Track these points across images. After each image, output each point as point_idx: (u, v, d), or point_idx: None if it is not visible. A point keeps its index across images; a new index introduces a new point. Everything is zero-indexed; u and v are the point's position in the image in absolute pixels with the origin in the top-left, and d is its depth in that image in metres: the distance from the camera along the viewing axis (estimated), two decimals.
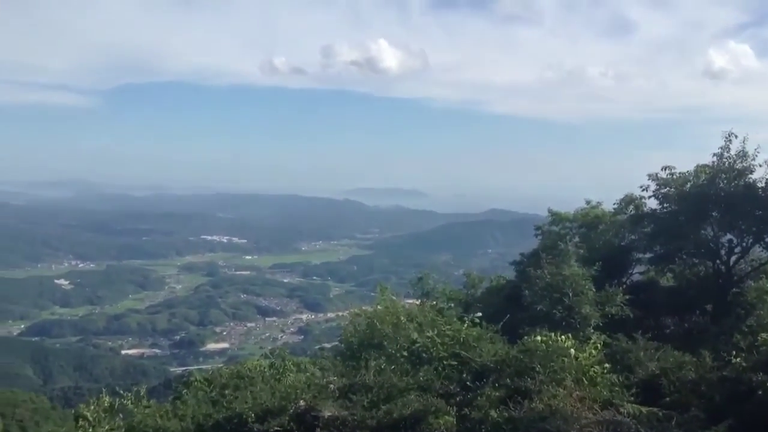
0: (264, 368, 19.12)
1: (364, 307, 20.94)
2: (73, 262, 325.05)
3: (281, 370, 19.59)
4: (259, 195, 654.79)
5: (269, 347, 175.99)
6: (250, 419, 10.26)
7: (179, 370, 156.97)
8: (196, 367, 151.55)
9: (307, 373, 18.02)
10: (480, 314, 15.39)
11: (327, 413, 10.21)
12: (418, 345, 13.91)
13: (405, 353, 14.09)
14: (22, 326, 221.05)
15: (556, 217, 34.71)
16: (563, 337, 13.28)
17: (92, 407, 16.03)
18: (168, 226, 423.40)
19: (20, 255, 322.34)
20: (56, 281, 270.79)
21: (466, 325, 14.39)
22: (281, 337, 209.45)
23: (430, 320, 17.56)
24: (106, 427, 15.00)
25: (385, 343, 15.96)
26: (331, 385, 11.04)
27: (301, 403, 10.60)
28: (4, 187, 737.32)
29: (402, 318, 16.84)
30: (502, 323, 15.95)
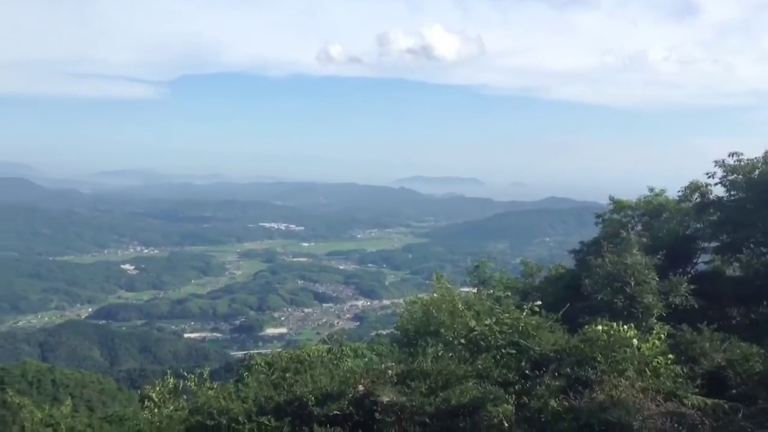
0: (322, 353, 19.37)
1: (419, 295, 20.97)
2: (139, 248, 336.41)
3: (339, 356, 19.80)
4: (316, 183, 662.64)
5: (326, 333, 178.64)
6: (310, 402, 10.42)
7: (239, 353, 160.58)
8: (255, 351, 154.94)
9: (365, 359, 18.18)
10: (539, 302, 15.17)
11: (385, 398, 10.28)
12: (475, 333, 13.83)
13: (462, 341, 14.04)
14: (90, 310, 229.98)
15: (618, 205, 33.85)
16: (625, 327, 13.01)
17: (157, 388, 16.58)
18: (228, 213, 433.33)
19: (89, 241, 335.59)
20: (122, 266, 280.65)
21: (525, 313, 14.23)
22: (337, 323, 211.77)
23: (487, 308, 17.43)
24: (171, 408, 15.47)
25: (442, 330, 15.94)
26: (389, 371, 11.09)
27: (360, 387, 10.70)
28: (74, 176, 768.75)
29: (459, 305, 16.78)
30: (561, 312, 15.71)
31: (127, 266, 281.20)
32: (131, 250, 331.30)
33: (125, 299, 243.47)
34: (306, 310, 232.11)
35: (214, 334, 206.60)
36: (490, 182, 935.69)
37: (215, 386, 14.89)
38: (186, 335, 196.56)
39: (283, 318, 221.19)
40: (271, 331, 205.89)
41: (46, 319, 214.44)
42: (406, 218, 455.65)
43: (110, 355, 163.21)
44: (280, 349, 27.46)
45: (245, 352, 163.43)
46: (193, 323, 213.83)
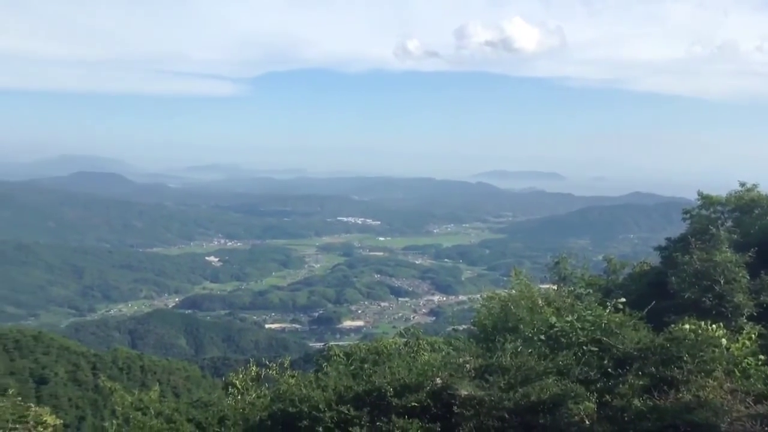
0: (399, 346, 19.51)
1: (497, 291, 20.78)
2: (223, 241, 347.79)
3: (416, 349, 19.89)
4: (393, 178, 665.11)
5: (402, 327, 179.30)
6: (388, 393, 10.52)
7: (317, 345, 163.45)
8: (333, 343, 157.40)
9: (441, 353, 18.18)
10: (624, 300, 14.75)
11: (463, 392, 10.26)
12: (556, 329, 13.59)
13: (542, 337, 13.83)
14: (177, 299, 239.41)
15: (707, 201, 32.39)
16: (713, 326, 12.53)
17: (241, 376, 17.15)
18: (307, 207, 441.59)
19: (176, 234, 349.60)
20: (207, 258, 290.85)
21: (608, 310, 13.87)
22: (413, 317, 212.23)
23: (568, 305, 17.10)
24: (253, 395, 15.96)
25: (521, 326, 15.75)
26: (468, 365, 11.07)
27: (438, 380, 10.72)
28: (163, 171, 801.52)
29: (540, 301, 16.54)
30: (646, 310, 15.22)
31: (211, 258, 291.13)
32: (216, 243, 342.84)
33: (210, 290, 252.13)
34: (382, 303, 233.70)
35: (294, 325, 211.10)
36: (571, 177, 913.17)
37: (295, 376, 15.26)
38: (267, 326, 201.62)
39: (360, 311, 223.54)
40: (348, 323, 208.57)
41: (136, 308, 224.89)
42: (484, 213, 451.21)
43: (195, 344, 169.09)
44: (357, 341, 27.86)
45: (323, 343, 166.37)
46: (273, 314, 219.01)
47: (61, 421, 14.61)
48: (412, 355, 18.07)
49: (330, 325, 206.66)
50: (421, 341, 20.60)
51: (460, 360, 11.30)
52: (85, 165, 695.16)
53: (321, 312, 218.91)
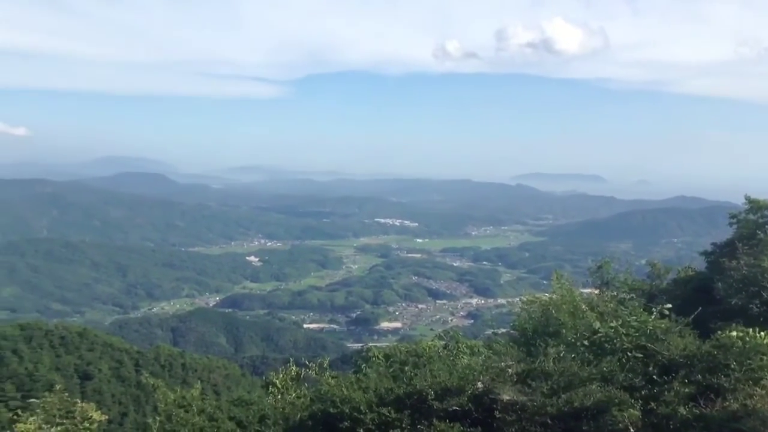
0: (438, 349, 19.43)
1: (537, 295, 20.54)
2: (263, 241, 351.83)
3: (455, 352, 19.77)
4: (431, 180, 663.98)
5: (440, 329, 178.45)
6: (429, 396, 10.48)
7: (355, 345, 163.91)
8: (371, 344, 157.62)
9: (481, 356, 18.04)
10: (669, 305, 14.42)
11: (505, 397, 10.16)
12: (600, 335, 13.36)
13: (585, 342, 13.60)
14: (218, 298, 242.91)
15: (755, 205, 31.44)
16: (762, 333, 12.16)
17: (281, 375, 17.26)
18: (346, 209, 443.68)
19: (217, 234, 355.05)
20: (247, 258, 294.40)
21: (653, 316, 13.58)
22: (451, 320, 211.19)
23: (611, 310, 16.82)
24: (293, 395, 16.06)
25: (564, 331, 15.55)
26: (509, 370, 10.96)
27: (479, 384, 10.63)
28: (206, 172, 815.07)
29: (583, 306, 16.30)
30: (692, 317, 14.87)
31: (251, 258, 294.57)
32: (256, 243, 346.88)
33: (250, 289, 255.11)
34: (420, 305, 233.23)
35: (332, 325, 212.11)
36: (613, 180, 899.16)
37: (336, 376, 15.32)
38: (305, 326, 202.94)
39: (397, 312, 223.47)
40: (385, 324, 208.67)
41: (178, 306, 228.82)
42: (523, 216, 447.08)
43: (235, 342, 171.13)
44: (394, 343, 27.85)
45: (360, 344, 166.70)
46: (312, 314, 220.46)
47: (106, 417, 14.91)
48: (452, 358, 17.97)
49: (367, 326, 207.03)
50: (460, 344, 20.48)
51: (502, 364, 11.19)
52: (129, 166, 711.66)
53: (358, 313, 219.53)
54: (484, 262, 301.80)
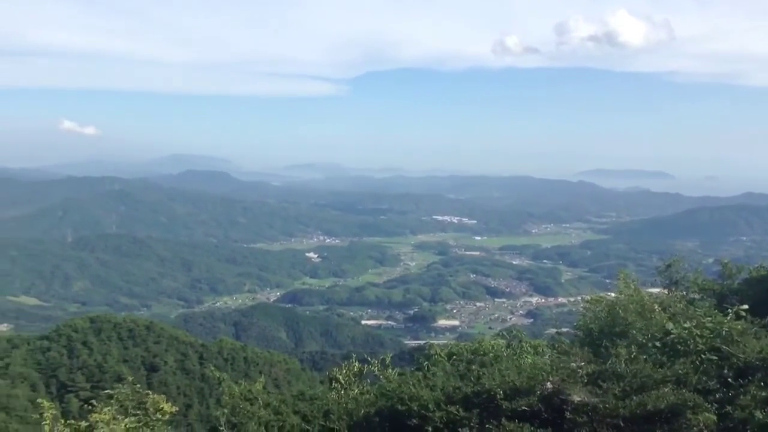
0: (501, 348, 19.17)
1: (602, 294, 20.06)
2: (321, 238, 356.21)
3: (518, 351, 19.48)
4: (490, 177, 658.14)
5: (499, 328, 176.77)
6: (498, 396, 10.34)
7: (412, 342, 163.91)
8: (428, 341, 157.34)
9: (545, 356, 17.72)
10: (746, 306, 13.83)
11: (576, 398, 9.92)
12: (672, 336, 12.93)
13: (657, 344, 13.19)
14: (278, 294, 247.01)
15: None
16: None
17: (344, 371, 17.35)
18: (403, 206, 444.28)
19: (278, 230, 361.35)
20: (307, 254, 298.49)
21: (729, 317, 13.06)
22: (510, 318, 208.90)
23: (681, 310, 16.27)
24: (356, 390, 16.11)
25: (634, 331, 15.12)
26: (580, 370, 10.71)
27: (548, 385, 10.42)
28: (266, 169, 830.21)
29: (656, 307, 15.83)
30: None
31: (311, 254, 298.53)
32: (315, 240, 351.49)
33: (309, 285, 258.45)
34: (478, 303, 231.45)
35: (389, 322, 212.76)
36: (679, 176, 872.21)
37: (401, 372, 15.29)
38: (363, 322, 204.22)
39: (455, 310, 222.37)
40: (443, 322, 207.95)
41: (240, 301, 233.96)
42: (585, 213, 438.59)
43: (295, 337, 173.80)
44: (455, 341, 27.69)
45: (418, 341, 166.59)
46: (369, 311, 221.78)
47: (176, 409, 15.27)
48: (515, 357, 17.71)
49: (425, 324, 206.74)
50: (524, 343, 20.17)
51: (573, 364, 10.94)
52: (194, 164, 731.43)
53: (416, 310, 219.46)
54: (545, 261, 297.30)
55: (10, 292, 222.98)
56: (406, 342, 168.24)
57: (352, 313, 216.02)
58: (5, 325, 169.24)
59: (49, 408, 14.12)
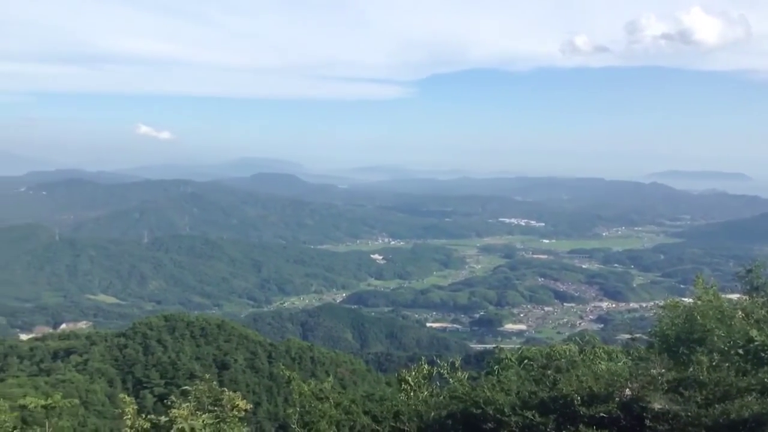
0: (573, 353, 18.82)
1: (678, 299, 19.40)
2: (386, 240, 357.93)
3: (592, 357, 19.07)
4: (558, 178, 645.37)
5: (567, 332, 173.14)
6: (576, 401, 10.17)
7: (478, 346, 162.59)
8: (495, 345, 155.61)
9: (620, 362, 17.29)
10: None
11: (656, 405, 9.66)
12: (756, 343, 12.42)
13: (740, 351, 12.69)
14: (344, 294, 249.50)
15: None
16: None
17: (413, 373, 17.38)
18: (469, 208, 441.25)
19: (344, 232, 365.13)
20: (372, 256, 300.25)
21: None
22: (579, 323, 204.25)
23: (764, 316, 15.60)
24: (426, 393, 16.11)
25: (714, 338, 14.58)
26: (661, 377, 10.41)
27: (627, 391, 10.18)
28: (333, 172, 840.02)
29: (740, 313, 15.23)
30: None
31: (376, 256, 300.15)
32: (380, 241, 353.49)
33: (374, 287, 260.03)
34: (546, 308, 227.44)
35: (454, 325, 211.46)
36: (758, 177, 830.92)
37: (475, 377, 15.21)
38: (428, 324, 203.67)
39: (522, 314, 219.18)
40: (510, 326, 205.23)
41: (307, 301, 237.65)
42: (658, 216, 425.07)
43: (361, 338, 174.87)
44: (526, 345, 27.36)
45: (484, 345, 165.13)
46: (434, 313, 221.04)
47: (251, 406, 15.65)
48: (589, 363, 17.34)
49: (491, 327, 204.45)
50: (597, 349, 19.73)
51: (653, 371, 10.65)
52: (263, 166, 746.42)
53: (482, 313, 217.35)
54: (615, 264, 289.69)
55: (89, 290, 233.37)
56: (472, 345, 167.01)
57: (416, 316, 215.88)
58: (84, 322, 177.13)
59: (130, 403, 14.74)
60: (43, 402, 17.26)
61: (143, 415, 14.51)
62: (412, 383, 16.99)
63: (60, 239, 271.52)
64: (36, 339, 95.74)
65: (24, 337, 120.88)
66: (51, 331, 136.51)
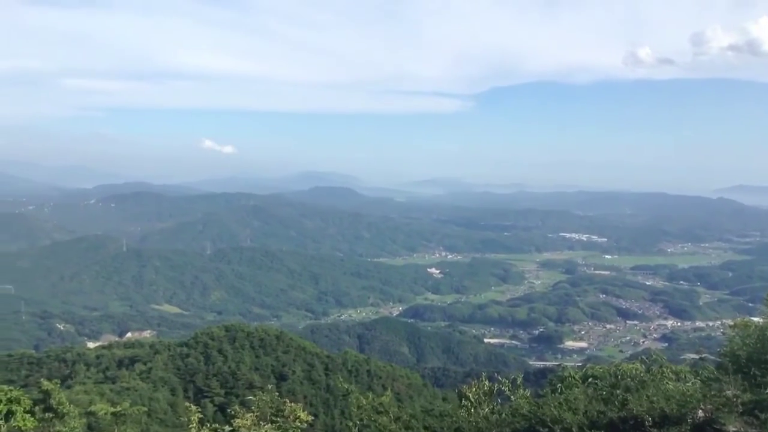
0: (641, 372, 18.23)
1: (749, 318, 18.59)
2: (443, 253, 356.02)
3: (659, 377, 18.43)
4: (621, 193, 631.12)
5: (629, 351, 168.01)
6: (647, 422, 9.86)
7: (537, 363, 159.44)
8: (560, 363, 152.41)
9: (688, 383, 16.68)
10: None
11: (732, 428, 9.27)
12: None
13: None
14: (400, 308, 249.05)
15: None
16: None
17: (474, 389, 17.13)
18: (528, 222, 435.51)
19: (400, 245, 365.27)
20: (428, 270, 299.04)
21: None
22: (642, 342, 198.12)
23: None
24: (486, 409, 15.85)
25: None
26: (736, 399, 9.97)
27: (700, 413, 9.80)
28: (390, 185, 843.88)
29: None
30: None
31: (432, 270, 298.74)
32: (437, 255, 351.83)
33: (431, 300, 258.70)
34: (608, 325, 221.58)
35: (513, 341, 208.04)
36: None
37: (541, 394, 14.89)
38: (486, 340, 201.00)
39: (583, 332, 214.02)
40: (570, 343, 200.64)
41: (364, 314, 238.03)
42: (725, 232, 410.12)
43: (417, 352, 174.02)
44: (591, 364, 26.62)
45: (544, 362, 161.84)
46: (492, 329, 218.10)
47: (312, 418, 15.73)
48: (656, 383, 16.77)
49: (550, 344, 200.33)
50: (664, 368, 19.05)
51: (728, 392, 10.22)
52: (322, 180, 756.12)
53: (541, 330, 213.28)
54: (681, 282, 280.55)
55: (154, 300, 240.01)
56: (531, 363, 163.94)
57: (474, 331, 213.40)
58: (149, 331, 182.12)
59: (195, 412, 15.04)
60: (112, 409, 17.79)
61: (207, 424, 14.78)
62: (473, 399, 16.74)
63: (127, 250, 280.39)
64: (102, 347, 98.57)
65: (91, 345, 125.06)
66: (117, 339, 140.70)
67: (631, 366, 19.32)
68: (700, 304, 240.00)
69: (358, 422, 15.92)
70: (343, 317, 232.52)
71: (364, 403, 16.21)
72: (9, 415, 18.46)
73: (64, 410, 19.23)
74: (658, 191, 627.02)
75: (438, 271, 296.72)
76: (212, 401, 72.15)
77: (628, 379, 14.99)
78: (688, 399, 10.27)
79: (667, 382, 16.90)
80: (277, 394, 15.66)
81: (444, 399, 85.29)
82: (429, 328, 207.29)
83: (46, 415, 19.25)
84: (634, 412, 10.05)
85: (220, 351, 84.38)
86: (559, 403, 11.74)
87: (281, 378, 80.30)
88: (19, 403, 18.58)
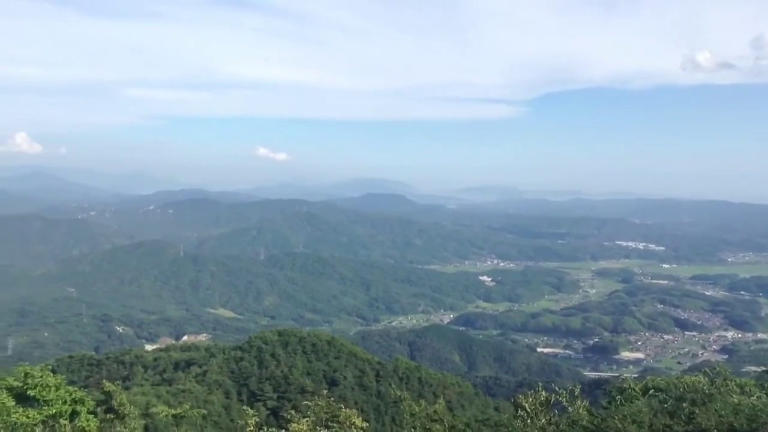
0: (704, 385, 17.62)
1: None
2: (495, 261, 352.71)
3: (722, 390, 17.78)
4: (680, 200, 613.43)
5: (688, 363, 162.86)
6: None
7: (592, 374, 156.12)
8: (608, 374, 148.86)
9: (753, 396, 16.06)
10: None
11: None
12: None
13: None
14: (452, 316, 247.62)
15: None
16: None
17: (530, 399, 16.86)
18: (583, 230, 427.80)
19: (452, 252, 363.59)
20: (480, 278, 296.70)
21: None
22: (702, 353, 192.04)
23: None
24: (543, 420, 15.56)
25: None
26: None
27: None
28: (441, 192, 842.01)
29: None
30: None
31: (484, 278, 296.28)
32: (488, 263, 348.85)
33: (482, 309, 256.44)
34: (665, 336, 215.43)
35: (566, 351, 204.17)
36: None
37: (605, 406, 14.57)
38: (539, 349, 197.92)
39: (639, 342, 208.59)
40: (626, 354, 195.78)
41: (414, 321, 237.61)
42: None
43: (468, 361, 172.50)
44: (649, 375, 25.87)
45: (599, 373, 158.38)
46: (545, 338, 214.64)
47: (367, 424, 15.76)
48: (721, 396, 16.19)
49: (605, 355, 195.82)
50: (729, 381, 18.38)
51: None
52: (373, 187, 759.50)
53: (596, 340, 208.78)
54: (742, 292, 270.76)
55: (209, 304, 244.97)
56: (586, 373, 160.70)
57: (526, 340, 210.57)
58: (204, 335, 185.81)
59: (252, 416, 15.25)
60: (173, 412, 18.18)
61: (264, 428, 14.95)
62: (529, 410, 16.49)
63: (184, 255, 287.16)
64: (160, 350, 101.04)
65: (149, 347, 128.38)
66: (173, 342, 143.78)
67: (693, 378, 18.68)
68: (762, 315, 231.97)
69: (411, 430, 15.85)
70: (393, 324, 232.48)
71: (417, 410, 16.12)
72: (74, 415, 19.06)
73: (125, 411, 19.75)
74: (719, 199, 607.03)
75: (490, 279, 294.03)
76: (265, 405, 73.03)
77: (693, 392, 14.51)
78: (758, 413, 9.88)
79: (732, 396, 16.31)
80: (332, 399, 15.75)
81: (496, 409, 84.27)
82: (480, 336, 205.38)
83: (108, 416, 19.80)
84: (702, 426, 9.72)
85: (273, 355, 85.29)
86: (624, 415, 11.44)
87: (332, 383, 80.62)
88: (83, 403, 19.18)
